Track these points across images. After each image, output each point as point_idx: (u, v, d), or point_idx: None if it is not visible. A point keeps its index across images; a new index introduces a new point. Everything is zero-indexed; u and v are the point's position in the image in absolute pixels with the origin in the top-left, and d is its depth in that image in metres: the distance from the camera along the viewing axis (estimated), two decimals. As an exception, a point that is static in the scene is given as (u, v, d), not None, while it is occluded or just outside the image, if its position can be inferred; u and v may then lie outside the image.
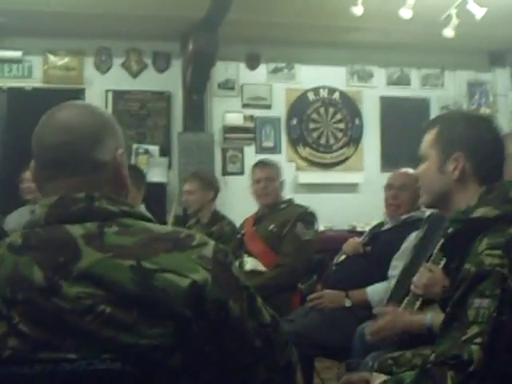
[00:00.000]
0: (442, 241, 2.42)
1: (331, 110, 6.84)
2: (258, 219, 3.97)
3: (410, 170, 3.40)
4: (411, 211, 3.33)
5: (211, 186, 4.45)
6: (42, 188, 1.30)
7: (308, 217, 3.83)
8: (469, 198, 1.61)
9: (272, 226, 3.79)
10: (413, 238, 2.98)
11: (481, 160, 1.66)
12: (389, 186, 3.43)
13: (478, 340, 1.34)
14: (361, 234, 4.10)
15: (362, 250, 3.37)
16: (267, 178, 3.91)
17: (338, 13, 5.53)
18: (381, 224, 3.55)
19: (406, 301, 2.61)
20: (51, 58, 6.25)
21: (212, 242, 1.24)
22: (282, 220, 3.80)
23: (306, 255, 3.75)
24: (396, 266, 3.04)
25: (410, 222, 3.26)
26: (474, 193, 1.61)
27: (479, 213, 1.54)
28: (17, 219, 4.32)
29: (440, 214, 2.74)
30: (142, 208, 3.79)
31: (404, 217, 3.34)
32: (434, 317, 2.23)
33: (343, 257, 3.44)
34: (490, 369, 1.34)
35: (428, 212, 3.02)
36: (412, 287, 2.49)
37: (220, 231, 4.22)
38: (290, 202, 3.98)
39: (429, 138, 1.73)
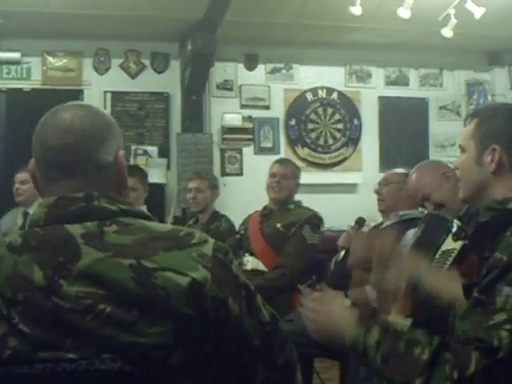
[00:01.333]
0: (446, 238, 2.43)
1: (330, 110, 6.84)
2: (264, 216, 3.97)
3: (400, 170, 3.51)
4: (398, 206, 3.35)
5: (216, 186, 4.49)
6: (43, 189, 1.29)
7: (316, 221, 3.87)
8: (505, 191, 1.60)
9: (279, 225, 3.82)
10: (410, 236, 2.98)
11: None
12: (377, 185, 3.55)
13: (508, 326, 1.33)
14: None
15: (355, 234, 3.38)
16: (283, 175, 3.96)
17: (336, 13, 5.54)
18: (380, 225, 3.56)
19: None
20: (50, 59, 6.24)
21: (212, 240, 1.24)
22: (289, 220, 3.83)
23: (308, 258, 3.75)
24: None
25: (409, 220, 3.26)
26: (510, 186, 1.60)
27: None
28: (9, 222, 4.30)
29: (438, 213, 2.75)
30: (144, 209, 3.79)
31: (401, 213, 3.35)
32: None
33: (342, 253, 3.46)
34: None
35: (426, 211, 3.02)
36: None
37: (217, 228, 4.23)
38: (298, 203, 4.01)
39: (468, 129, 1.71)
